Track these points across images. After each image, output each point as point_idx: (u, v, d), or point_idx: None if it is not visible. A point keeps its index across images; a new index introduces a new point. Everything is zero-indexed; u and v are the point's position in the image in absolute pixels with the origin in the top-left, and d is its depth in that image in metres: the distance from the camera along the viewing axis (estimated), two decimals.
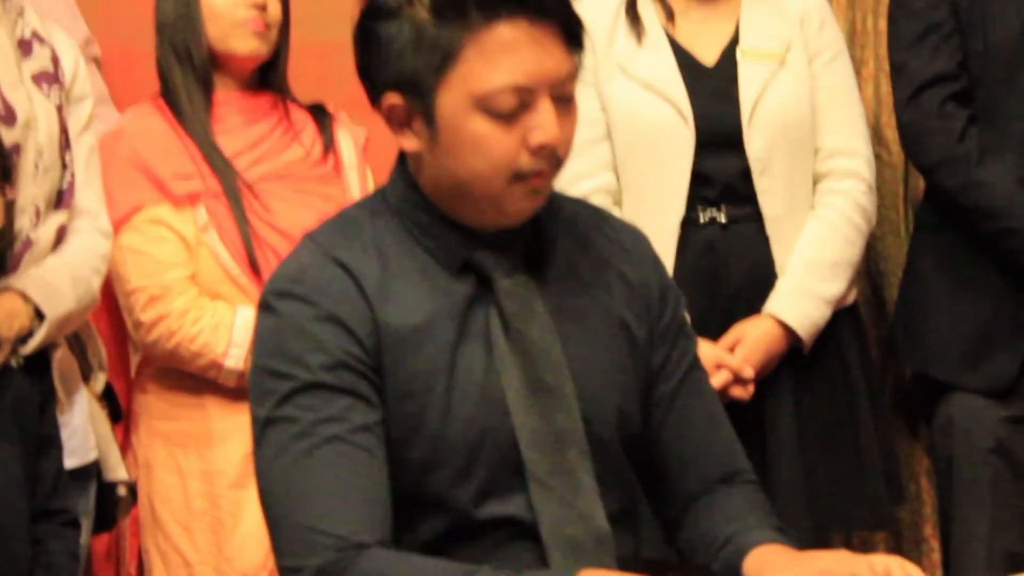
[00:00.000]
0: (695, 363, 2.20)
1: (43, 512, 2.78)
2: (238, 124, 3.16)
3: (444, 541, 1.98)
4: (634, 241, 2.21)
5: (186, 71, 3.12)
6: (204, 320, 2.98)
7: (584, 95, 3.07)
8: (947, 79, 3.15)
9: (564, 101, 1.97)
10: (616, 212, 3.11)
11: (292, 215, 3.10)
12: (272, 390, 1.93)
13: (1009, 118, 3.10)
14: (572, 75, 1.98)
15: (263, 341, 1.99)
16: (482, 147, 1.93)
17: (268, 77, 3.23)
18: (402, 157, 2.06)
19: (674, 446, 2.15)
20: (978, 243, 3.15)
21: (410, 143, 1.99)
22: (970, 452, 3.21)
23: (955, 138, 3.11)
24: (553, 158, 1.97)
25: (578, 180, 3.09)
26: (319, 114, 3.28)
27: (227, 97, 3.17)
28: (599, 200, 3.07)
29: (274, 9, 3.14)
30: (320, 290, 1.95)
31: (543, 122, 1.94)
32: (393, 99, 1.95)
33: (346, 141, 3.28)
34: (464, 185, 1.97)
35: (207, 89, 3.13)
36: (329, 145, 3.24)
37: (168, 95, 3.14)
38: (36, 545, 2.76)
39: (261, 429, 1.95)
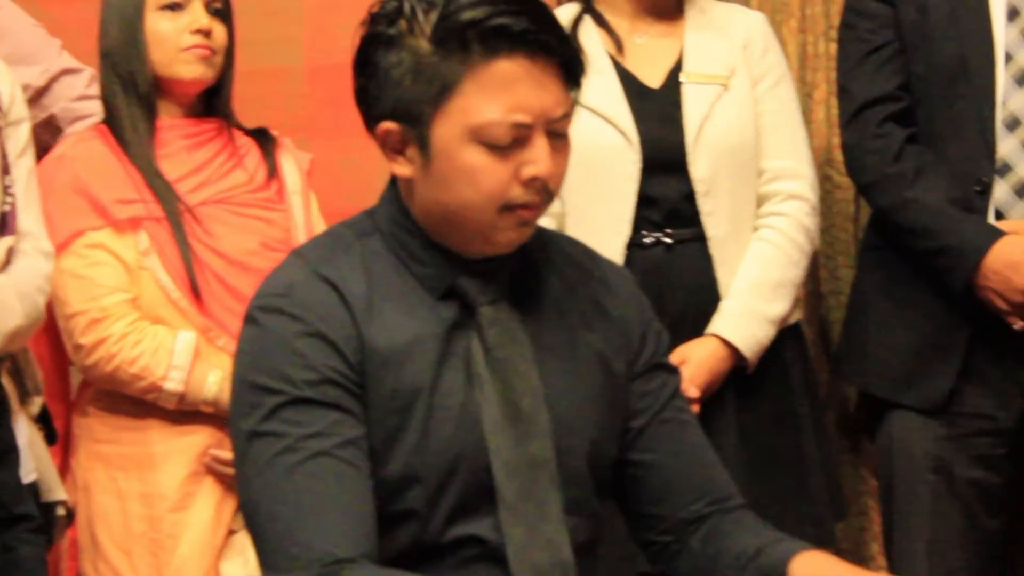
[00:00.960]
0: (676, 394, 2.23)
1: (11, 518, 2.77)
2: (181, 149, 3.15)
3: (409, 558, 1.99)
4: (618, 279, 2.25)
5: (130, 97, 3.11)
6: (144, 343, 2.97)
7: None
8: (888, 100, 3.19)
9: (558, 137, 2.00)
10: (563, 234, 3.13)
11: (234, 240, 3.10)
12: (257, 404, 1.95)
13: (947, 140, 3.14)
14: (568, 113, 2.00)
15: (248, 354, 2.00)
16: (475, 178, 1.96)
17: (213, 103, 3.23)
18: (393, 181, 2.08)
19: (661, 474, 2.18)
20: (913, 262, 3.18)
21: (403, 169, 2.01)
22: (910, 470, 3.23)
23: (891, 157, 3.14)
24: (544, 191, 2.00)
25: None
26: (263, 139, 3.28)
27: (171, 123, 3.15)
28: (543, 223, 3.08)
29: (219, 35, 3.14)
30: (307, 306, 1.97)
31: (537, 157, 1.96)
32: (388, 126, 1.98)
33: (290, 166, 3.27)
34: (454, 213, 2.00)
35: (151, 115, 3.12)
36: (273, 170, 3.23)
37: (111, 121, 3.13)
38: (7, 552, 2.76)
39: (245, 443, 1.96)
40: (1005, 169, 3.07)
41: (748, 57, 3.25)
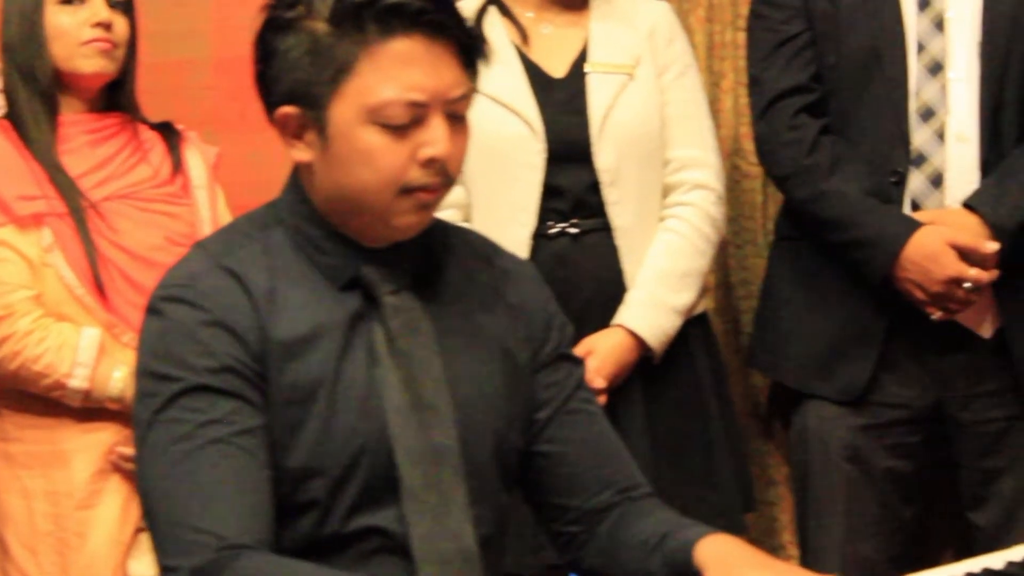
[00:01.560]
0: (581, 385, 2.25)
1: None
2: (84, 144, 3.11)
3: (312, 549, 1.99)
4: (521, 270, 2.27)
5: (31, 92, 3.08)
6: (48, 340, 2.94)
7: None
8: (800, 91, 3.19)
9: (457, 119, 2.01)
10: (466, 226, 3.13)
11: (139, 235, 3.08)
12: (157, 392, 1.95)
13: (860, 131, 3.15)
14: (467, 94, 2.01)
15: (149, 344, 2.00)
16: (372, 159, 1.96)
17: (116, 97, 3.20)
18: (295, 172, 2.09)
19: (566, 465, 2.19)
20: (829, 253, 3.19)
21: (302, 154, 2.02)
22: (825, 460, 3.25)
23: (806, 149, 3.14)
24: (443, 174, 2.00)
25: None
26: (168, 133, 3.25)
27: (74, 118, 3.12)
28: (449, 214, 3.09)
29: (120, 28, 3.11)
30: (208, 296, 1.98)
31: (434, 137, 1.97)
32: (287, 110, 1.99)
33: (195, 160, 3.25)
34: (353, 197, 2.00)
35: (52, 110, 3.09)
36: (178, 165, 3.21)
37: (13, 116, 3.09)
38: None
39: (145, 430, 1.96)
40: (920, 159, 3.09)
41: (653, 47, 3.25)
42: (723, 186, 3.33)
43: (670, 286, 3.16)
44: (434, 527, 2.00)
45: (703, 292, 3.30)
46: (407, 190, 1.98)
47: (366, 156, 1.96)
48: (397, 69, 1.94)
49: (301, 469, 1.98)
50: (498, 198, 3.14)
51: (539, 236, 3.12)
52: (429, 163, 1.97)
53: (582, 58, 3.20)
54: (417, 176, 1.98)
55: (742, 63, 3.50)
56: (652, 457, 3.13)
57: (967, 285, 3.00)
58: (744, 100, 3.61)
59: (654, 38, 3.26)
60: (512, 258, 2.30)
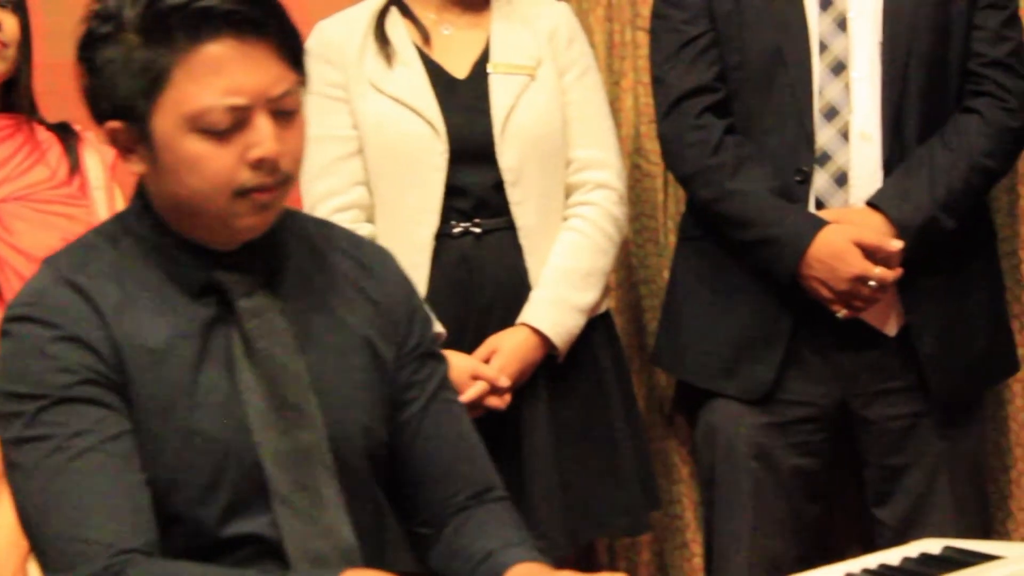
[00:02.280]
0: (444, 383, 2.23)
1: None
2: None
3: (189, 558, 1.96)
4: (381, 261, 2.24)
5: None
6: None
7: (335, 112, 3.06)
8: (704, 91, 3.19)
9: (285, 115, 1.98)
10: (369, 227, 3.11)
11: (36, 237, 3.04)
12: (20, 411, 1.91)
13: (765, 130, 3.16)
14: (291, 89, 1.98)
15: (3, 366, 1.96)
16: (199, 166, 1.92)
17: (11, 97, 3.16)
18: (140, 181, 2.05)
19: (423, 465, 2.17)
20: (735, 252, 3.20)
21: (136, 167, 1.99)
22: (731, 458, 3.26)
23: (711, 149, 3.15)
24: (276, 172, 1.96)
25: (329, 197, 3.12)
26: (65, 134, 3.22)
27: None
28: (351, 215, 3.08)
29: (10, 27, 3.07)
30: (57, 312, 1.94)
31: (260, 138, 1.93)
32: (113, 125, 1.95)
33: (93, 161, 3.22)
34: (189, 205, 1.96)
35: None
36: (75, 166, 3.18)
37: None
38: None
39: (12, 451, 1.93)
40: (824, 158, 3.10)
41: (554, 48, 3.25)
42: (625, 186, 3.33)
43: (573, 285, 3.16)
44: (307, 528, 1.98)
45: (606, 291, 3.31)
46: (241, 193, 1.95)
47: (192, 164, 1.92)
48: (212, 74, 1.90)
49: (166, 480, 1.96)
50: (401, 198, 3.13)
51: (443, 236, 3.12)
52: (258, 164, 1.94)
53: (484, 59, 3.20)
54: (248, 178, 1.94)
55: (642, 62, 3.51)
56: (556, 456, 3.14)
57: (872, 283, 3.01)
58: (644, 99, 3.62)
59: (554, 40, 3.26)
60: (375, 249, 2.28)
